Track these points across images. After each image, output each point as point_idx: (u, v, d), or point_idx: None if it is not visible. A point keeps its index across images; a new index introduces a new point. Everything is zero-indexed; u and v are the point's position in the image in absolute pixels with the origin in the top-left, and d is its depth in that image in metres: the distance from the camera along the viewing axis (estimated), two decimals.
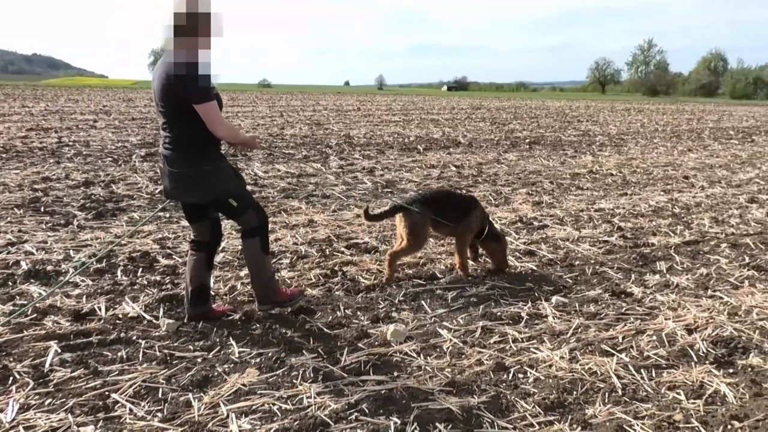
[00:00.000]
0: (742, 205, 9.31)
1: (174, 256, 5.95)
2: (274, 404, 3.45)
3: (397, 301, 5.04)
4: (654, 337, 4.43)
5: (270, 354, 4.02)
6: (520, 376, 3.87)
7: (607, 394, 3.66)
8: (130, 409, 3.36)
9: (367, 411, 3.40)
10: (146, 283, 5.24)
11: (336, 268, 5.76)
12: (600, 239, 7.06)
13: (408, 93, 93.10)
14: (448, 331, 4.48)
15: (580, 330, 4.56)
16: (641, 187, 10.66)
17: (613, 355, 4.15)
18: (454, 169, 12.13)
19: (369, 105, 38.39)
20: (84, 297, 4.89)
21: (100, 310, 4.63)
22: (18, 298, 4.86)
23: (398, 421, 3.29)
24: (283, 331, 4.41)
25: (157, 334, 4.29)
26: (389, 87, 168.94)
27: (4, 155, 11.81)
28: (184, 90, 3.88)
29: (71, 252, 5.98)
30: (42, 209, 7.64)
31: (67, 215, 7.40)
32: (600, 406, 3.52)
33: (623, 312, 4.92)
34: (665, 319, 4.75)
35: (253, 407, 3.42)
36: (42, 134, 15.53)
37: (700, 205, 9.17)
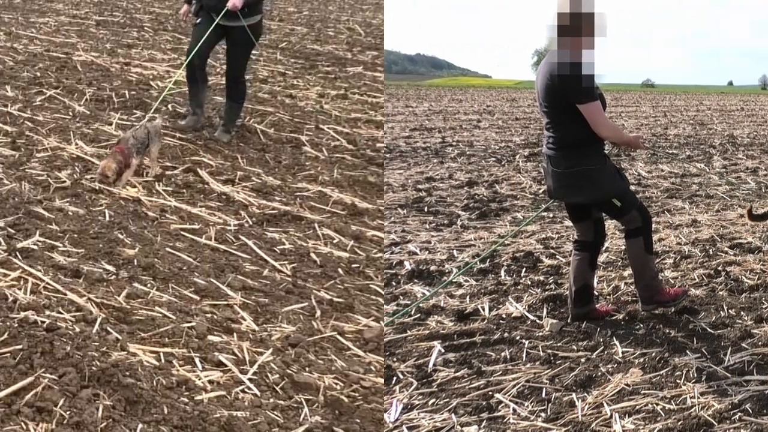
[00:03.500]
0: None
1: (557, 256, 5.88)
2: (657, 404, 3.33)
3: None
4: None
5: (653, 354, 3.86)
6: None
7: None
8: (514, 409, 3.38)
9: (750, 411, 3.20)
10: (529, 283, 5.23)
11: (719, 268, 5.43)
12: None
13: None
14: None
15: None
16: None
17: None
18: None
19: (752, 105, 34.37)
20: (467, 297, 4.95)
21: (483, 310, 4.68)
22: (401, 298, 5.00)
23: None
24: (666, 331, 4.22)
25: (540, 334, 4.28)
26: None
27: (388, 155, 11.84)
28: (568, 90, 3.89)
29: (454, 252, 6.10)
30: (425, 209, 7.85)
31: (450, 215, 7.56)
32: None
33: None
34: None
35: (637, 407, 3.32)
36: (425, 134, 15.69)
37: None
